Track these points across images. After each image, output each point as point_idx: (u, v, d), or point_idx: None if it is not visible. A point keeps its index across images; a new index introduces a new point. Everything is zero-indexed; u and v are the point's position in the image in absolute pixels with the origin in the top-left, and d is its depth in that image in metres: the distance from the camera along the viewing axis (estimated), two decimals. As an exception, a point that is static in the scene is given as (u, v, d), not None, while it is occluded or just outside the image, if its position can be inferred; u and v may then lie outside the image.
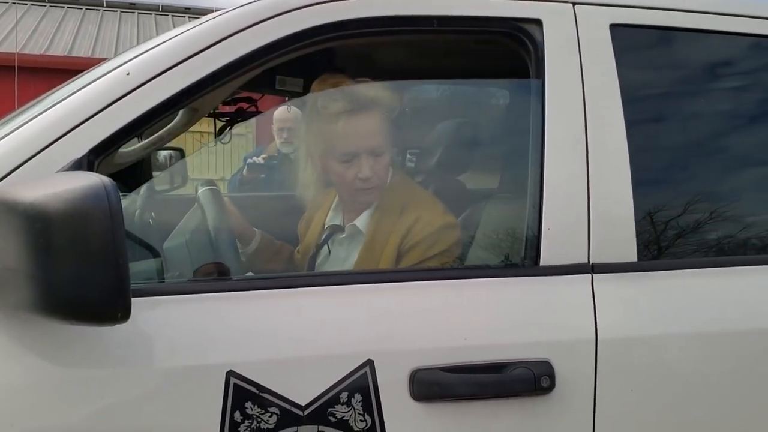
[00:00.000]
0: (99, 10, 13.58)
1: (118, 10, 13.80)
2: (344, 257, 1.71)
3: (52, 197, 0.90)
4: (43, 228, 0.91)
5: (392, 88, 1.70)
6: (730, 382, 1.38)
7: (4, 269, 0.96)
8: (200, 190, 1.66)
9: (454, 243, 1.63)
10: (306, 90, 2.15)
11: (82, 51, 11.50)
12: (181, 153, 2.78)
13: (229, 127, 2.23)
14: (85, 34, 12.28)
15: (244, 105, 2.24)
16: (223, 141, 2.21)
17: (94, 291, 0.92)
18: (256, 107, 2.26)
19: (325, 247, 1.73)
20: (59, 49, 11.32)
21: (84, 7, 13.52)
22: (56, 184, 0.93)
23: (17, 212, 0.94)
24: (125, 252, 0.93)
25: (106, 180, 0.92)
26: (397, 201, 1.68)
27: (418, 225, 1.61)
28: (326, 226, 1.78)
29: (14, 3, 12.33)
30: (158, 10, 14.17)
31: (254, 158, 4.04)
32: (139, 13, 13.86)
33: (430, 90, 2.22)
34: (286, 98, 2.60)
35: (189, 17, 14.24)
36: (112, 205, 0.90)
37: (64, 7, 13.41)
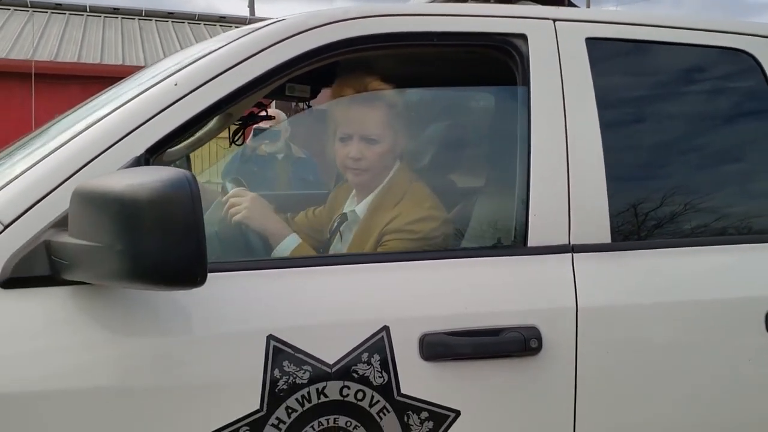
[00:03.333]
0: (83, 15, 13.66)
1: (102, 15, 13.89)
2: (345, 240, 1.91)
3: (141, 186, 1.12)
4: (134, 211, 1.12)
5: (395, 90, 1.92)
6: (684, 344, 1.63)
7: (95, 246, 1.16)
8: (229, 183, 1.87)
9: (431, 234, 1.78)
10: (312, 96, 2.37)
11: (68, 56, 11.59)
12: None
13: (242, 131, 2.45)
14: (70, 38, 12.36)
15: (255, 110, 2.45)
16: (238, 143, 2.45)
17: (178, 260, 1.14)
18: (267, 111, 2.47)
19: (338, 232, 1.94)
20: (45, 54, 11.41)
21: (68, 13, 13.59)
22: (143, 176, 1.14)
23: (109, 199, 1.15)
24: (204, 228, 1.15)
25: (188, 173, 1.14)
26: (395, 193, 1.87)
27: (399, 218, 1.79)
28: (343, 212, 1.97)
29: (-2, 8, 12.38)
30: (141, 15, 14.28)
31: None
32: (122, 18, 13.97)
33: (430, 97, 2.43)
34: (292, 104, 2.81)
35: (173, 22, 14.36)
36: (194, 192, 1.13)
37: (47, 12, 13.47)
